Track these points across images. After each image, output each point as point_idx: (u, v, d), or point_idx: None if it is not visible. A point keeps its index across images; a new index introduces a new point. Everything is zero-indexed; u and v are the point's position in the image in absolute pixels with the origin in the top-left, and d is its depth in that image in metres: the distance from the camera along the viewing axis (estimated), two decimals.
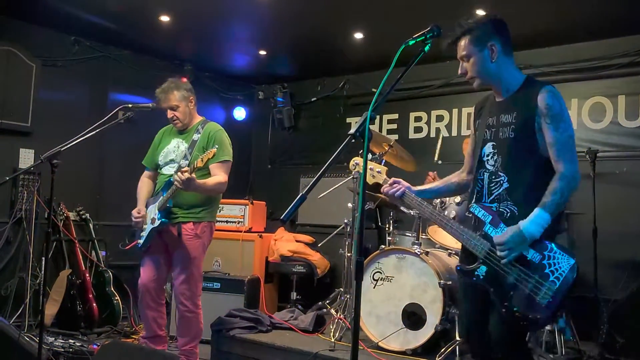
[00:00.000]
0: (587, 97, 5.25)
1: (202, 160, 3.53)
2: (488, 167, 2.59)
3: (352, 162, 3.12)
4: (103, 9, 5.13)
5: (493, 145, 2.59)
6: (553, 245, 2.37)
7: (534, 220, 2.34)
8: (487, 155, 2.61)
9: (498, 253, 2.40)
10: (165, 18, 5.26)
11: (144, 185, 4.13)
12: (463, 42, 2.59)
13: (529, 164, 2.47)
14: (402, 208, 4.55)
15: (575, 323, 4.44)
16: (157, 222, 3.79)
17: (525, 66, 5.53)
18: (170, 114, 3.97)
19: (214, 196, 3.98)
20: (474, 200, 2.62)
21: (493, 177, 2.57)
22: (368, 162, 2.70)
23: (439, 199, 4.53)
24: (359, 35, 5.51)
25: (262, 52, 6.22)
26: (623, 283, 4.65)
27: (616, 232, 4.80)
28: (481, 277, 2.47)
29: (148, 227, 3.86)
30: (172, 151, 4.00)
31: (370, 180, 2.87)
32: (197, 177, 3.65)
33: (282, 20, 5.29)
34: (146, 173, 4.18)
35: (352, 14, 5.03)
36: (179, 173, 3.57)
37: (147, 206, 3.98)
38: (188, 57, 6.46)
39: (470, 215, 2.59)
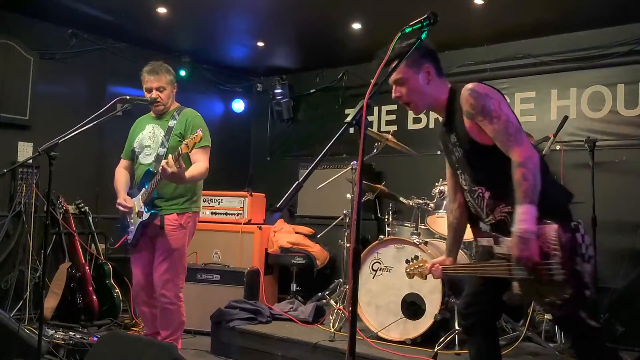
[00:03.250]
0: (586, 86, 5.24)
1: (187, 146, 3.43)
2: (465, 187, 2.60)
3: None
4: (100, 2, 5.11)
5: (456, 166, 2.61)
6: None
7: (521, 219, 2.28)
8: (461, 178, 2.63)
9: (519, 267, 2.31)
10: (162, 10, 5.24)
11: (121, 175, 4.06)
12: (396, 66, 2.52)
13: (495, 164, 2.44)
14: None
15: None
16: (145, 216, 3.74)
17: (524, 55, 5.52)
18: (155, 94, 3.87)
19: (196, 186, 3.92)
20: (474, 224, 2.62)
21: (473, 194, 2.56)
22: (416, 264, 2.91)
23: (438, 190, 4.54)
24: (357, 26, 5.49)
25: (260, 44, 6.20)
26: (622, 272, 4.65)
27: (615, 221, 4.80)
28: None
29: (136, 222, 3.81)
30: (147, 137, 3.94)
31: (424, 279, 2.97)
32: (175, 160, 3.50)
33: (279, 11, 5.27)
34: (122, 163, 4.12)
35: (350, 4, 5.01)
36: (163, 164, 3.46)
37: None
38: (186, 49, 6.43)
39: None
